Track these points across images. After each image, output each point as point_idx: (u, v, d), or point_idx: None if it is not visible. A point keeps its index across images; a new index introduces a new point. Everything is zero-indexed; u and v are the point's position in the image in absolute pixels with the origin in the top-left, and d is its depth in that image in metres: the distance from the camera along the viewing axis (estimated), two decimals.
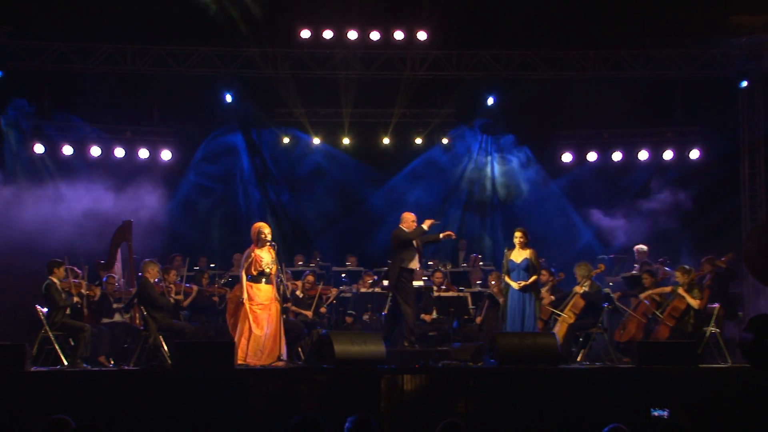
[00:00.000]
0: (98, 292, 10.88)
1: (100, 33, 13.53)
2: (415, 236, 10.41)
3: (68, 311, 10.07)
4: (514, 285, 10.15)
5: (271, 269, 9.62)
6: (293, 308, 11.41)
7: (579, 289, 10.67)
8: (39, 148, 14.06)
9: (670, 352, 9.06)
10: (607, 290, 11.38)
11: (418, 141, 15.71)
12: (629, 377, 8.59)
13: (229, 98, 14.56)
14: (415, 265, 10.57)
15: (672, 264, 12.35)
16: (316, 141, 15.58)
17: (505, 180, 15.91)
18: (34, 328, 10.39)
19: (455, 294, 12.02)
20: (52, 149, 14.20)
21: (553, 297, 10.96)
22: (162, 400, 7.88)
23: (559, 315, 10.65)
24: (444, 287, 12.12)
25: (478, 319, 11.51)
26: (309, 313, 11.43)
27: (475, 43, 14.17)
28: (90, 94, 14.11)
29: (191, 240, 14.48)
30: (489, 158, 15.96)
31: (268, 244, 9.68)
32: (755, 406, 7.98)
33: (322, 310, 11.76)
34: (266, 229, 9.73)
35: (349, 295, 12.15)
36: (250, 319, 9.43)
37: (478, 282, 12.84)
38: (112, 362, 10.26)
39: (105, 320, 10.89)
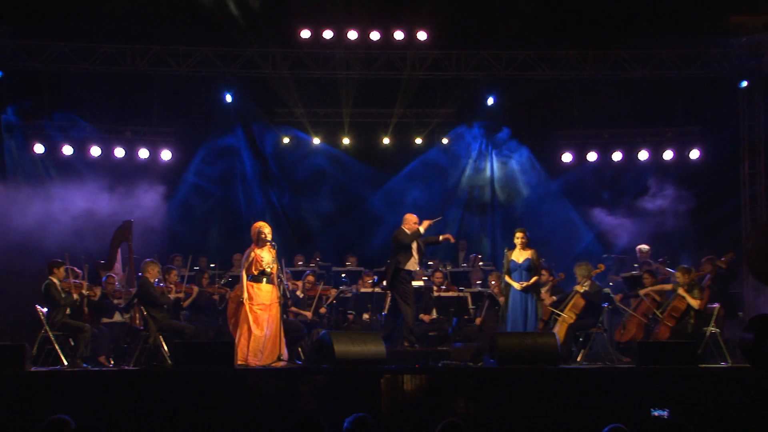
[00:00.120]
0: (98, 292, 10.87)
1: (100, 33, 13.53)
2: (413, 240, 10.42)
3: (68, 311, 10.08)
4: (516, 285, 10.14)
5: (271, 269, 9.62)
6: (293, 308, 11.41)
7: (579, 289, 10.67)
8: (39, 148, 14.06)
9: (670, 352, 9.06)
10: (607, 290, 11.38)
11: (418, 141, 15.71)
12: (629, 377, 8.58)
13: (229, 98, 14.57)
14: (413, 266, 10.58)
15: (672, 264, 12.35)
16: (316, 141, 15.58)
17: (505, 180, 15.92)
18: (34, 328, 10.40)
19: (455, 294, 12.01)
20: (52, 149, 14.20)
21: (554, 298, 10.96)
22: (162, 400, 7.88)
23: (559, 315, 10.65)
24: (444, 287, 12.12)
25: (478, 320, 11.50)
26: (308, 314, 11.42)
27: (475, 43, 14.17)
28: (90, 94, 14.10)
29: (191, 240, 14.47)
30: (489, 158, 15.96)
31: (269, 243, 9.68)
32: (755, 406, 7.98)
33: (322, 310, 11.76)
34: (266, 229, 9.73)
35: (349, 295, 12.15)
36: (251, 319, 9.42)
37: (478, 282, 12.83)
38: (112, 362, 10.26)
39: (105, 320, 10.89)
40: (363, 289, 12.11)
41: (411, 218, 10.61)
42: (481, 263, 13.90)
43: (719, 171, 14.50)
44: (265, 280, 9.58)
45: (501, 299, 10.77)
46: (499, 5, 13.53)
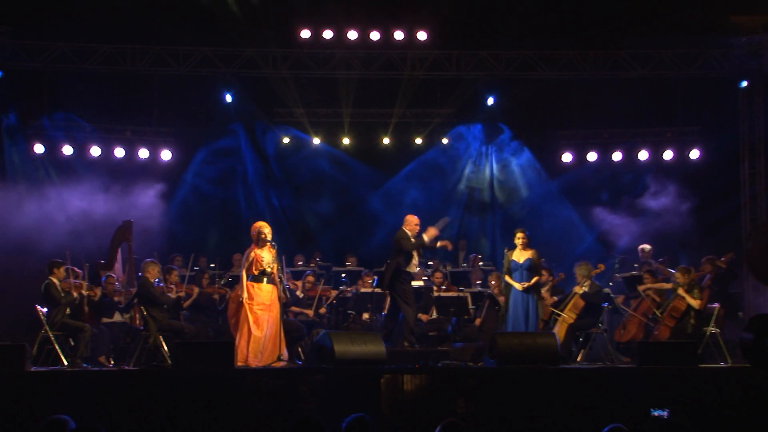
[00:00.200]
0: (99, 292, 10.87)
1: (100, 33, 13.53)
2: (416, 248, 10.44)
3: (68, 311, 10.08)
4: (518, 286, 10.14)
5: (272, 268, 9.61)
6: (294, 308, 11.41)
7: (579, 289, 10.67)
8: (39, 148, 14.06)
9: (670, 352, 9.06)
10: (607, 290, 11.38)
11: (418, 141, 15.71)
12: (629, 377, 8.58)
13: (229, 98, 14.58)
14: (413, 268, 10.59)
15: (672, 264, 12.35)
16: (316, 141, 15.59)
17: (505, 180, 15.92)
18: (34, 328, 10.40)
19: (455, 294, 12.01)
20: (52, 149, 14.20)
21: (555, 298, 10.96)
22: (162, 400, 7.88)
23: (559, 315, 10.65)
24: (444, 287, 12.12)
25: (478, 321, 11.50)
26: (310, 312, 11.43)
27: (475, 43, 14.17)
28: (90, 94, 14.11)
29: (191, 240, 14.47)
30: (489, 158, 15.96)
31: (269, 243, 9.67)
32: (755, 406, 7.98)
33: (322, 310, 11.77)
34: (266, 229, 9.72)
35: (349, 295, 12.15)
36: (251, 320, 9.40)
37: (478, 282, 12.83)
38: (112, 362, 10.26)
39: (105, 320, 10.89)
40: (363, 289, 12.11)
41: (412, 219, 10.59)
42: (481, 263, 13.90)
43: (719, 171, 14.50)
44: (265, 280, 9.57)
45: (501, 299, 10.77)
46: (499, 5, 13.53)
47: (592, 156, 15.20)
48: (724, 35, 13.70)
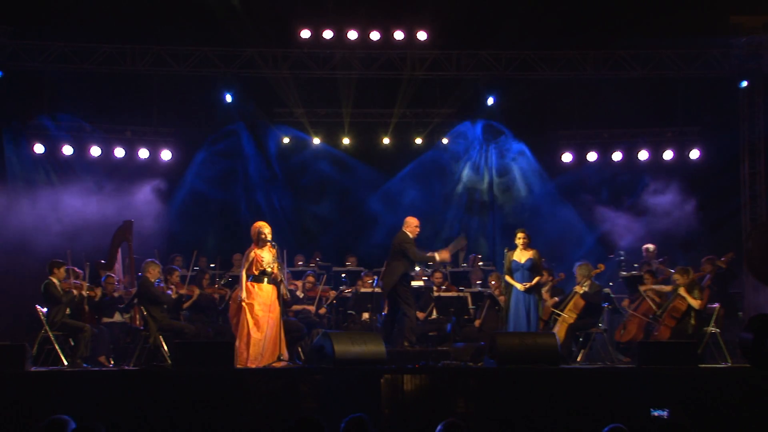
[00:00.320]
0: (99, 292, 10.87)
1: (100, 33, 13.53)
2: (424, 262, 10.47)
3: (68, 311, 10.08)
4: (519, 286, 10.12)
5: (272, 268, 9.59)
6: (295, 306, 11.42)
7: (579, 289, 10.67)
8: (39, 148, 14.07)
9: (670, 352, 9.06)
10: (607, 290, 11.38)
11: (418, 141, 15.71)
12: (629, 377, 8.58)
13: (229, 98, 14.57)
14: (412, 270, 10.62)
15: (672, 264, 12.34)
16: (316, 141, 15.58)
17: (505, 180, 15.91)
18: (34, 328, 10.40)
19: (455, 294, 12.01)
20: (52, 149, 14.20)
21: (556, 299, 10.96)
22: (162, 400, 7.88)
23: (559, 315, 10.65)
24: (444, 287, 12.11)
25: (477, 322, 11.49)
26: (312, 308, 11.46)
27: (475, 43, 14.17)
28: (90, 94, 14.12)
29: (191, 240, 14.46)
30: (489, 158, 15.95)
31: (269, 243, 9.65)
32: (755, 406, 7.98)
33: (322, 310, 11.77)
34: (266, 229, 9.70)
35: (348, 295, 12.16)
36: (250, 323, 9.34)
37: (478, 282, 12.83)
38: (112, 362, 10.27)
39: (105, 320, 10.89)
40: (363, 289, 12.12)
41: (412, 221, 10.58)
42: (481, 263, 13.90)
43: (719, 171, 14.50)
44: (266, 280, 9.54)
45: (501, 299, 10.77)
46: (499, 5, 13.53)
47: (592, 156, 15.20)
48: (724, 35, 13.70)
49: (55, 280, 10.00)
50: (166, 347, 9.88)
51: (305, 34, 13.94)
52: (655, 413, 7.95)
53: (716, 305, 10.53)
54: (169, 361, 9.54)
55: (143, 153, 14.68)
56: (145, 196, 14.04)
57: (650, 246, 12.88)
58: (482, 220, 16.01)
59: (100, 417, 7.23)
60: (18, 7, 13.01)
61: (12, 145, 13.84)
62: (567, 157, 15.25)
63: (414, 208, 14.31)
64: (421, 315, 11.49)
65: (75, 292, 10.18)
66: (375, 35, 13.96)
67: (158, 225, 14.10)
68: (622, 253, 13.16)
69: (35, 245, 12.64)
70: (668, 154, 14.91)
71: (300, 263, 13.75)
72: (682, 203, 14.15)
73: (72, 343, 9.93)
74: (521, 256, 10.25)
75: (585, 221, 15.05)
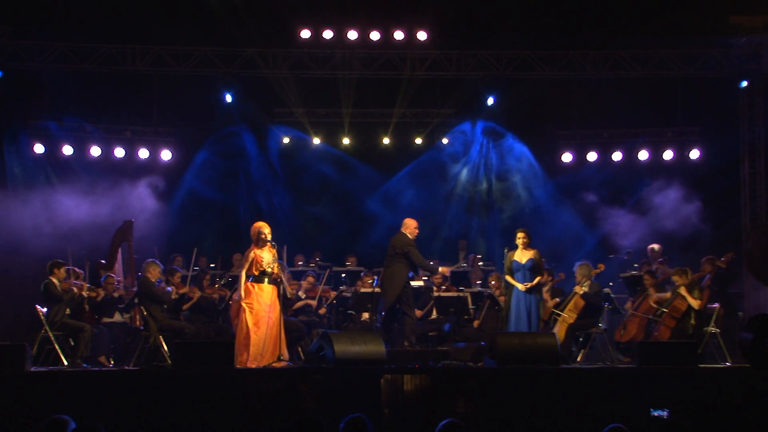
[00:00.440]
0: (101, 293, 10.87)
1: (100, 33, 13.53)
2: (424, 267, 10.52)
3: (68, 311, 10.08)
4: (520, 286, 10.11)
5: (272, 268, 9.58)
6: (297, 303, 11.43)
7: (579, 289, 10.67)
8: (39, 148, 14.07)
9: (670, 352, 9.06)
10: (607, 290, 11.38)
11: (418, 141, 15.71)
12: (629, 377, 8.58)
13: (229, 98, 14.57)
14: (412, 271, 10.65)
15: (672, 264, 12.34)
16: (316, 141, 15.58)
17: (505, 180, 15.91)
18: (34, 328, 10.40)
19: (455, 294, 12.01)
20: (52, 149, 14.20)
21: (557, 299, 10.95)
22: (162, 400, 7.88)
23: (559, 315, 10.65)
24: (444, 287, 12.12)
25: (476, 323, 11.49)
26: (313, 303, 11.49)
27: (475, 43, 14.17)
28: (90, 94, 14.11)
29: (191, 240, 14.43)
30: (489, 158, 15.95)
31: (269, 243, 9.65)
32: (755, 406, 7.98)
33: (322, 311, 11.77)
34: (266, 229, 9.68)
35: (349, 295, 12.16)
36: (250, 324, 9.30)
37: (478, 282, 12.83)
38: (112, 362, 10.27)
39: (105, 320, 10.89)
40: (363, 289, 12.12)
41: (411, 223, 10.59)
42: (481, 263, 13.89)
43: (719, 171, 14.50)
44: (266, 280, 9.54)
45: (502, 299, 10.77)
46: (499, 5, 13.53)
47: (592, 156, 15.20)
48: (724, 35, 13.69)
49: (55, 280, 10.00)
50: (166, 347, 9.88)
51: (305, 34, 13.94)
52: (655, 413, 7.95)
53: (716, 305, 10.53)
54: (169, 361, 9.54)
55: (143, 153, 14.68)
56: (145, 196, 14.02)
57: (655, 246, 12.86)
58: (482, 220, 16.01)
59: (100, 417, 7.23)
60: (18, 7, 13.01)
61: (12, 145, 13.84)
62: (567, 157, 15.25)
63: (414, 208, 14.33)
64: (419, 313, 11.50)
65: (75, 290, 10.17)
66: (375, 35, 13.96)
67: (158, 225, 14.09)
68: (627, 251, 13.14)
69: (35, 245, 12.62)
70: (668, 154, 14.91)
71: (300, 263, 13.75)
72: (681, 203, 14.13)
73: (72, 343, 9.94)
74: (522, 256, 10.24)
75: (585, 221, 15.05)
